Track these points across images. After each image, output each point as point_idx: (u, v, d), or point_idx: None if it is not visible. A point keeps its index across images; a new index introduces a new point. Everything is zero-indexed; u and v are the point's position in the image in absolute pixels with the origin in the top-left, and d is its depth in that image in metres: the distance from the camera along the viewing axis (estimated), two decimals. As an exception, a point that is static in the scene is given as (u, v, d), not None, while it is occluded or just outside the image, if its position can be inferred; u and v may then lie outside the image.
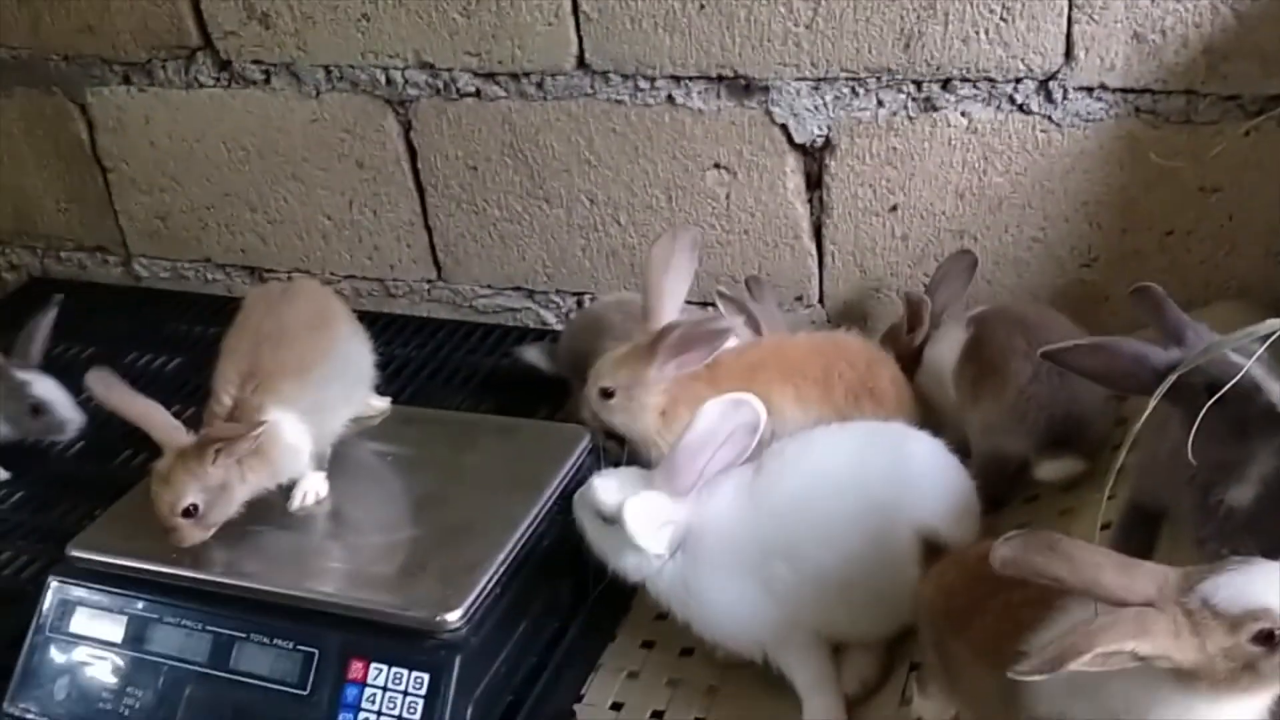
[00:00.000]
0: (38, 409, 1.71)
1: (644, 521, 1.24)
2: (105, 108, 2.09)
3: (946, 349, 1.50)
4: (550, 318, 1.99)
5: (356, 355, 1.49)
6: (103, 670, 1.30)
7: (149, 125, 2.07)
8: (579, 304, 1.96)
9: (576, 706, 1.32)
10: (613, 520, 1.26)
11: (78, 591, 1.34)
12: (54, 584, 1.36)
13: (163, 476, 1.29)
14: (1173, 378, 1.04)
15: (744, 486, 1.30)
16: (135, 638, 1.30)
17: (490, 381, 1.83)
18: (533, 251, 1.93)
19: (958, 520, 1.30)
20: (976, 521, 1.33)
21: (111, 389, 1.36)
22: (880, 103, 1.62)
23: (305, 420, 1.36)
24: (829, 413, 1.43)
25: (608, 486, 1.28)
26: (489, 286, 2.00)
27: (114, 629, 1.32)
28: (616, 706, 1.32)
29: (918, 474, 1.29)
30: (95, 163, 2.16)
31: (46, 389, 1.72)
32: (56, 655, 1.33)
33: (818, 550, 1.25)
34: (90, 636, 1.32)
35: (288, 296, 1.44)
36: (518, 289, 1.99)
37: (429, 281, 2.04)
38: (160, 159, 2.09)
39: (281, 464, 1.35)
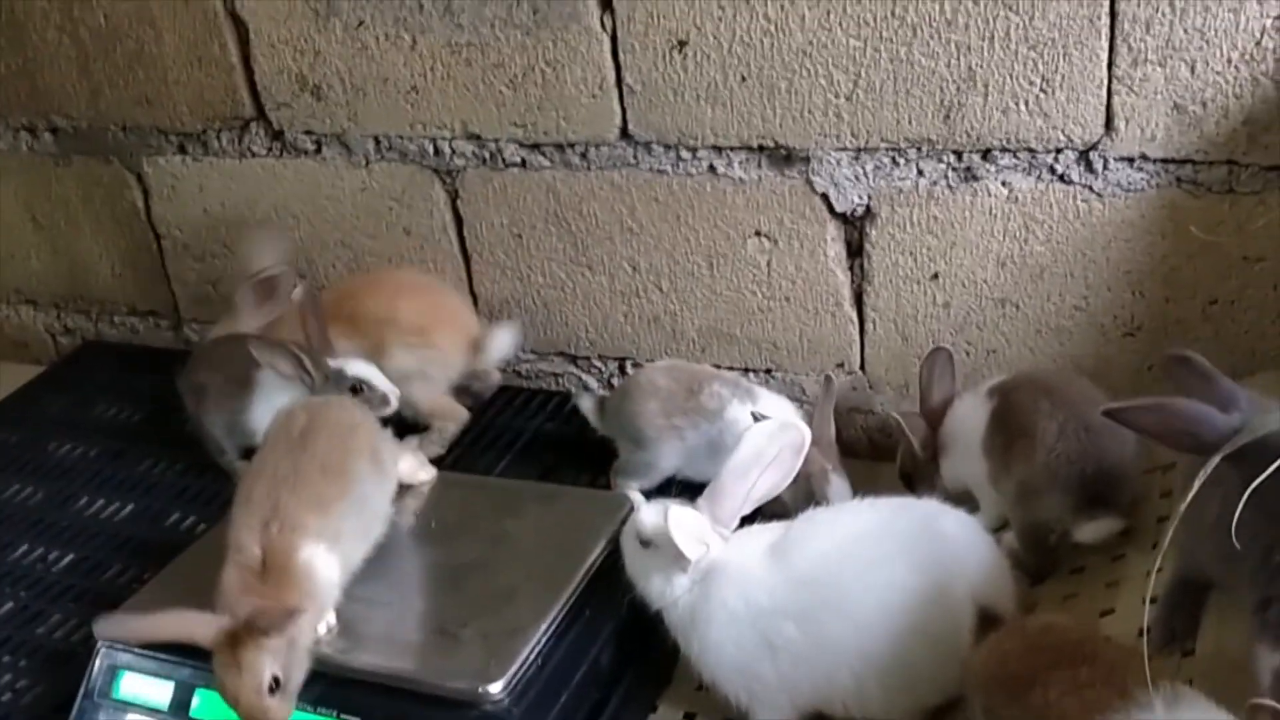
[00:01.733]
0: (357, 389, 1.68)
1: (686, 530, 1.29)
2: (160, 176, 2.14)
3: (960, 423, 1.51)
4: (592, 383, 2.00)
5: (374, 495, 1.43)
6: (149, 736, 1.32)
7: (202, 193, 2.12)
8: (621, 369, 1.97)
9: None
10: (648, 543, 1.33)
11: (126, 657, 1.36)
12: (103, 648, 1.38)
13: (230, 666, 1.21)
14: (1239, 442, 1.03)
15: (772, 542, 1.33)
16: (181, 703, 1.32)
17: (532, 446, 1.85)
18: (575, 317, 1.96)
19: (1002, 594, 1.30)
20: (1016, 595, 1.33)
21: (126, 627, 1.34)
22: (921, 172, 1.63)
23: (332, 551, 1.33)
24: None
25: (650, 511, 1.35)
26: (532, 352, 2.02)
27: (160, 694, 1.33)
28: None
29: (961, 548, 1.30)
30: (150, 229, 2.21)
31: (360, 369, 1.70)
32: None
33: (835, 619, 1.27)
34: (137, 702, 1.34)
35: (305, 438, 1.40)
36: (560, 354, 2.01)
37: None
38: (213, 226, 2.14)
39: (324, 599, 1.31)
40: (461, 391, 1.89)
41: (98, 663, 1.37)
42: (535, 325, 1.99)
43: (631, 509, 1.48)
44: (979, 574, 1.30)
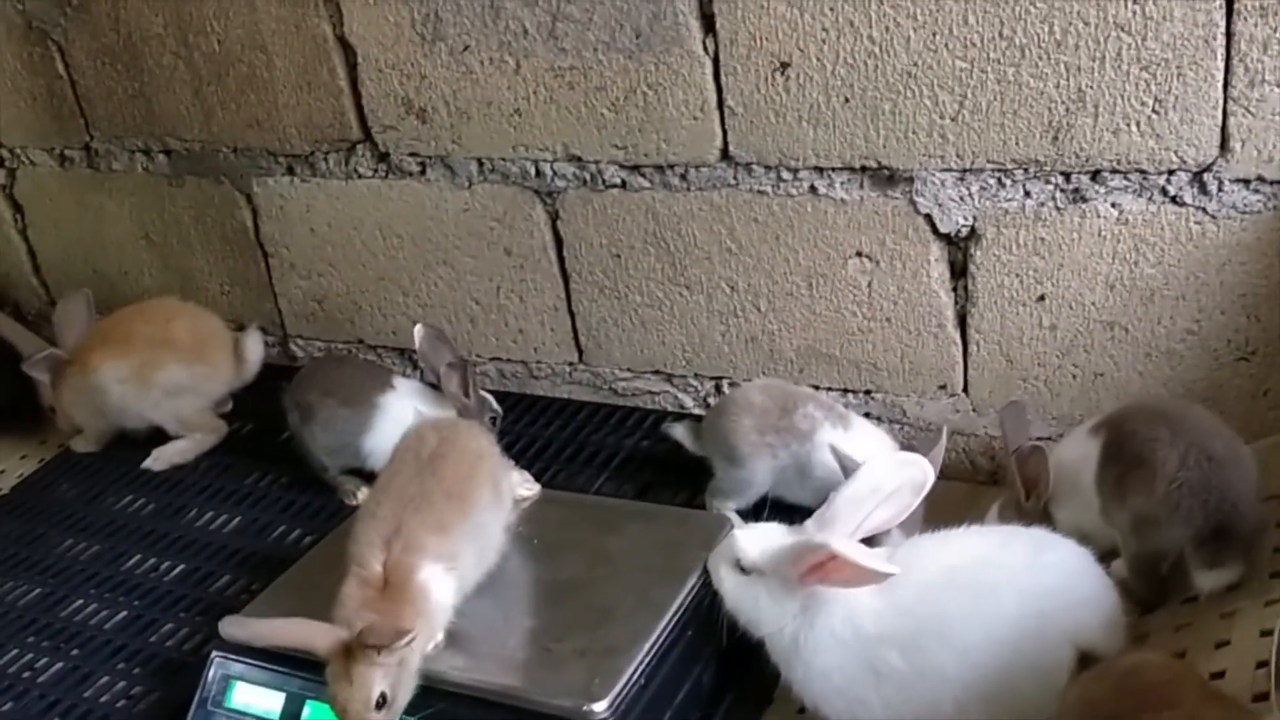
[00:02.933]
0: (494, 419, 1.86)
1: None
2: (269, 197, 2.20)
3: (1065, 466, 1.48)
4: (688, 401, 2.01)
5: (491, 524, 1.46)
6: (261, 745, 1.35)
7: (310, 213, 2.17)
8: (717, 388, 1.97)
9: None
10: (752, 569, 1.31)
11: (239, 667, 1.40)
12: (216, 658, 1.41)
13: (342, 678, 1.24)
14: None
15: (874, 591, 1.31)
16: (292, 713, 1.35)
17: (629, 464, 1.86)
18: (672, 336, 1.96)
19: (1106, 629, 1.28)
20: (1123, 629, 1.30)
21: (249, 629, 1.36)
22: (1027, 193, 1.61)
23: (449, 574, 1.35)
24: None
25: (750, 538, 1.34)
26: (629, 370, 2.04)
27: (272, 704, 1.37)
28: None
29: (1067, 582, 1.28)
30: (258, 248, 2.27)
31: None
32: (218, 727, 1.38)
33: (939, 648, 1.25)
34: (249, 712, 1.37)
35: (434, 461, 1.42)
36: (657, 373, 2.02)
37: (570, 364, 2.09)
38: (319, 245, 2.19)
39: (437, 620, 1.33)
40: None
41: (211, 672, 1.40)
42: (633, 344, 2.01)
43: (731, 529, 1.49)
44: (1085, 607, 1.28)
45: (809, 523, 1.33)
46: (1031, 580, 1.28)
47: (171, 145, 2.27)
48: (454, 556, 1.35)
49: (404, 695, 1.26)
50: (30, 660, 1.65)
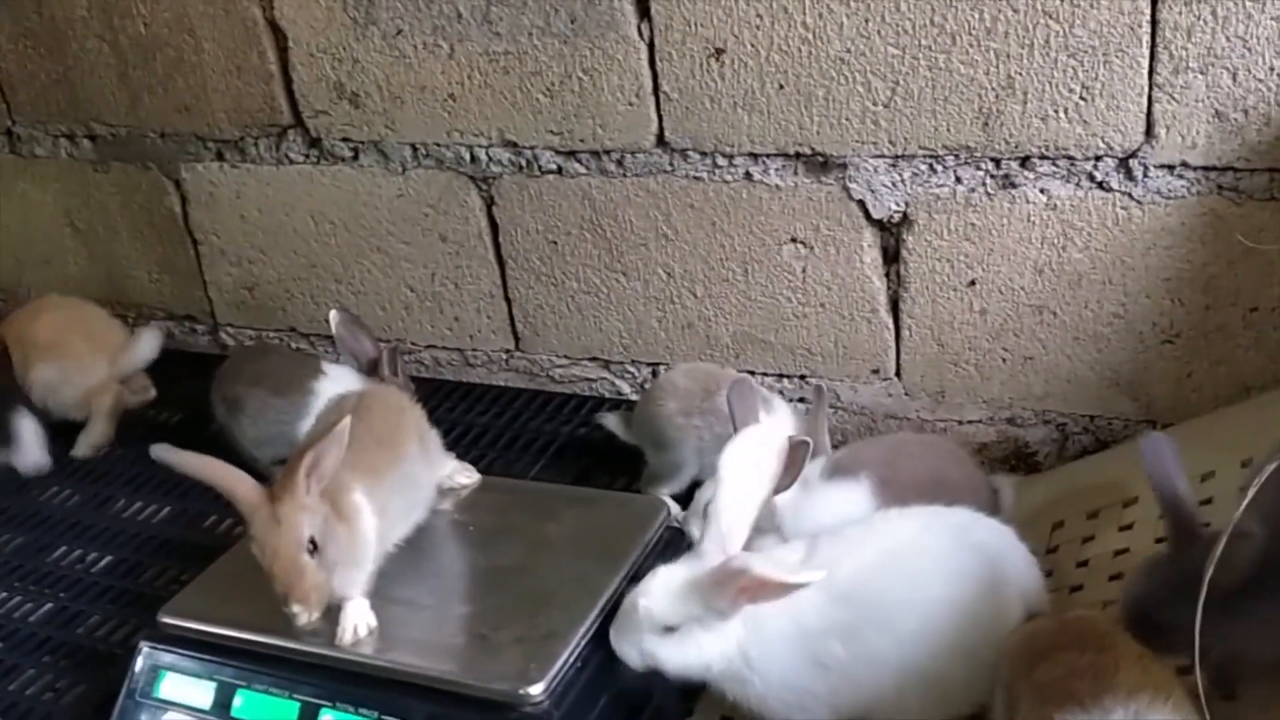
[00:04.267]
0: None
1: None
2: (198, 183, 2.16)
3: None
4: (625, 388, 2.01)
5: (420, 476, 1.46)
6: (190, 736, 1.33)
7: (240, 200, 2.14)
8: (654, 374, 1.97)
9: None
10: (678, 626, 1.24)
11: (167, 657, 1.37)
12: (145, 649, 1.39)
13: (268, 523, 1.23)
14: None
15: (803, 561, 1.31)
16: (222, 704, 1.33)
17: (566, 451, 1.85)
18: (609, 323, 1.96)
19: (1035, 605, 1.30)
20: (1049, 603, 1.33)
21: (178, 456, 1.33)
22: (958, 179, 1.63)
23: (377, 516, 1.33)
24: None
25: (652, 598, 1.25)
26: (566, 357, 2.03)
27: (202, 695, 1.34)
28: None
29: (996, 557, 1.30)
30: (187, 235, 2.23)
31: None
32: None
33: (878, 636, 1.26)
34: (178, 702, 1.35)
35: (360, 410, 1.39)
36: (594, 359, 2.01)
37: (507, 352, 2.08)
38: (249, 232, 2.16)
39: (359, 543, 1.31)
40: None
41: (140, 662, 1.38)
42: (569, 330, 2.00)
43: (667, 513, 1.49)
44: (1011, 585, 1.30)
45: (706, 544, 1.26)
46: (960, 561, 1.29)
47: (97, 130, 2.22)
48: (384, 506, 1.34)
49: (332, 553, 1.25)
50: (-49, 655, 1.61)
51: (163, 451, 1.32)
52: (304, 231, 2.11)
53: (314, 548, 1.24)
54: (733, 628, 1.25)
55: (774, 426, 1.38)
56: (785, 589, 1.20)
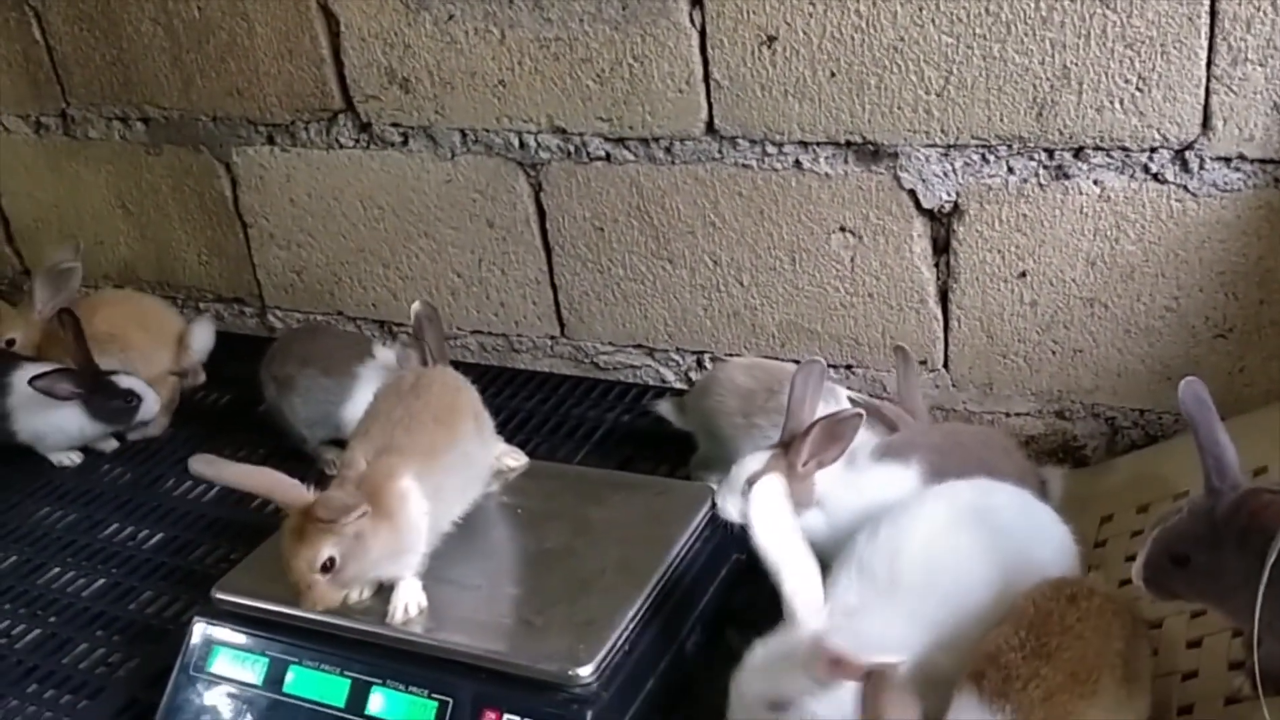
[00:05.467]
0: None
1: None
2: (249, 166, 2.19)
3: None
4: (670, 375, 2.01)
5: (477, 454, 1.49)
6: (242, 710, 1.35)
7: (290, 183, 2.16)
8: (699, 363, 1.98)
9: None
10: (785, 704, 1.16)
11: (220, 633, 1.39)
12: (198, 625, 1.41)
13: (296, 533, 1.28)
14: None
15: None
16: (274, 680, 1.34)
17: (610, 437, 1.86)
18: (655, 310, 1.96)
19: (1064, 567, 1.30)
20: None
21: (218, 467, 1.36)
22: (1011, 170, 1.62)
23: (429, 499, 1.35)
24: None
25: (758, 680, 1.19)
26: (610, 344, 2.04)
27: (254, 671, 1.36)
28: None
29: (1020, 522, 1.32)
30: (237, 218, 2.25)
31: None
32: (198, 694, 1.38)
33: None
34: (232, 677, 1.37)
35: (417, 389, 1.44)
36: (638, 346, 2.02)
37: (552, 338, 2.08)
38: (299, 216, 2.18)
39: (405, 533, 1.33)
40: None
41: (194, 638, 1.40)
42: (614, 318, 2.01)
43: (713, 500, 1.49)
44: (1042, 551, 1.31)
45: (792, 618, 1.19)
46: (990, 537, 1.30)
47: (150, 113, 2.25)
48: (438, 487, 1.36)
49: (350, 571, 1.29)
50: (7, 628, 1.64)
51: (201, 465, 1.35)
52: (353, 216, 2.12)
53: (330, 565, 1.28)
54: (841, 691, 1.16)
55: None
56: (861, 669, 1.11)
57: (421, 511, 1.34)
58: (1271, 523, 1.06)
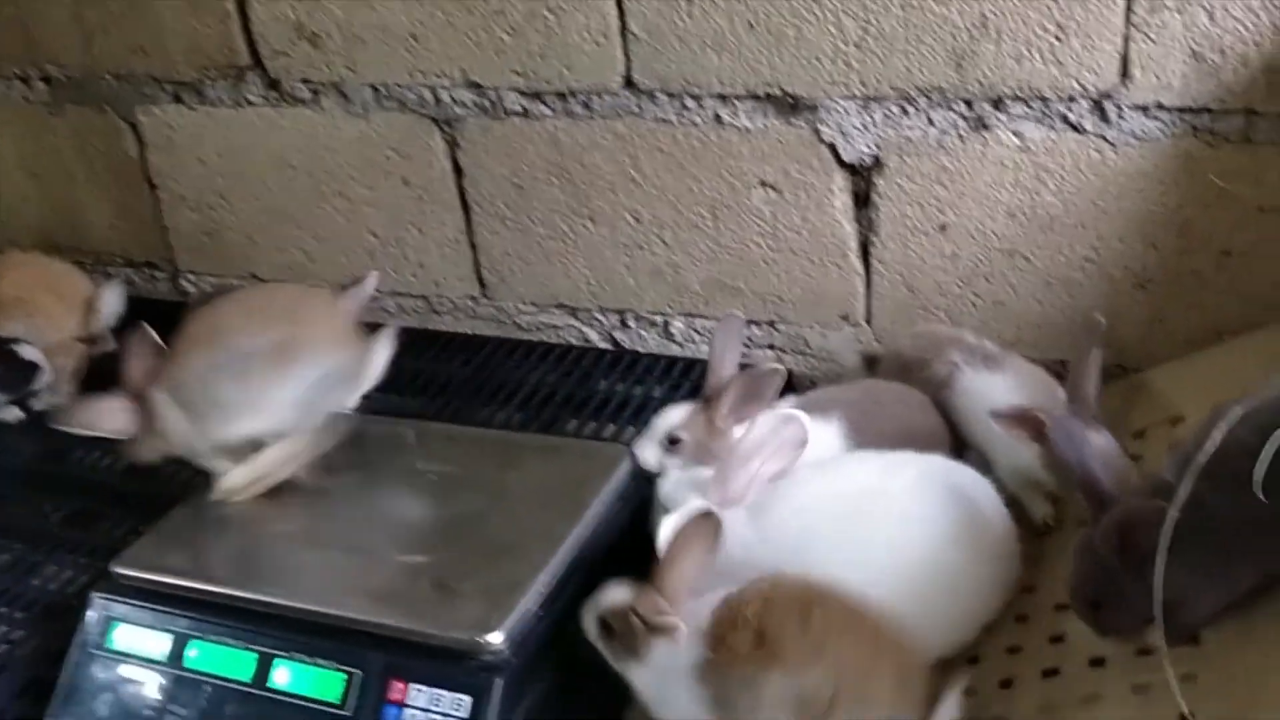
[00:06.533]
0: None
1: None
2: (155, 126, 2.11)
3: None
4: (593, 335, 1.98)
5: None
6: (145, 687, 1.31)
7: (198, 143, 2.08)
8: (621, 322, 1.94)
9: (618, 727, 1.30)
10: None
11: (121, 608, 1.35)
12: (97, 600, 1.36)
13: None
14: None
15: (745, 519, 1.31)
16: (178, 655, 1.30)
17: (533, 399, 1.81)
18: (576, 270, 1.93)
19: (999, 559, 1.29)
20: (1018, 558, 1.33)
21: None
22: (930, 122, 1.60)
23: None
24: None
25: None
26: (533, 304, 2.00)
27: (157, 646, 1.32)
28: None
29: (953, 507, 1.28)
30: (145, 180, 2.18)
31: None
32: (99, 671, 1.33)
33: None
34: (133, 653, 1.33)
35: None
36: (561, 306, 1.98)
37: (473, 299, 2.04)
38: (209, 176, 2.11)
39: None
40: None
41: (91, 613, 1.35)
42: (535, 278, 1.97)
43: (632, 461, 1.47)
44: (973, 531, 1.29)
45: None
46: (914, 506, 1.28)
47: (50, 72, 2.16)
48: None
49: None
50: (-99, 605, 1.58)
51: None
52: (264, 176, 2.06)
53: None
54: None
55: (802, 417, 1.36)
56: None
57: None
58: (1145, 540, 1.02)
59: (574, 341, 1.98)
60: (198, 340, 1.49)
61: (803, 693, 1.05)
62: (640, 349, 1.93)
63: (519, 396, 1.82)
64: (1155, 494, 1.05)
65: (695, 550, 1.18)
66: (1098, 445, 1.18)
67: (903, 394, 1.55)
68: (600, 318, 1.96)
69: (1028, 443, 1.33)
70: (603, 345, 1.95)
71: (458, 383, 1.88)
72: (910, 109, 1.60)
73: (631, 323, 1.93)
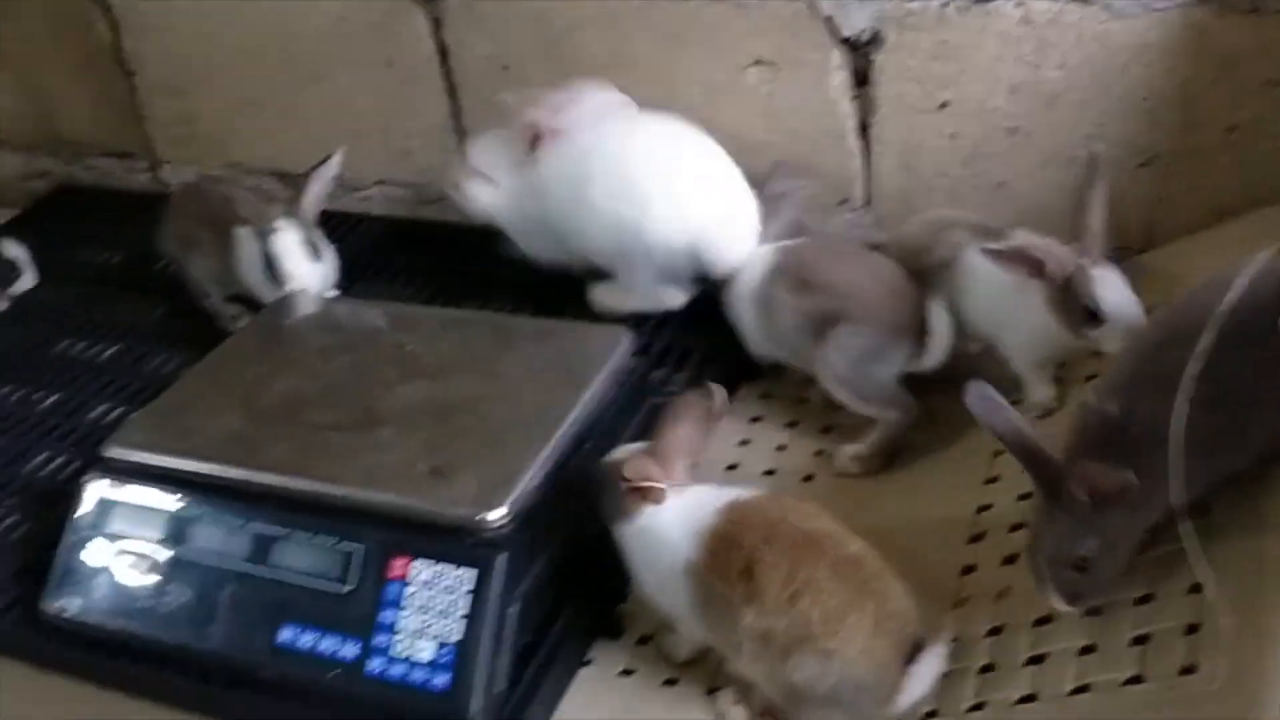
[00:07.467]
0: None
1: None
2: (128, 9, 2.04)
3: None
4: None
5: None
6: (141, 569, 1.29)
7: (172, 27, 2.02)
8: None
9: (622, 607, 1.30)
10: None
11: (115, 490, 1.33)
12: (91, 483, 1.34)
13: None
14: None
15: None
16: (174, 536, 1.29)
17: (520, 287, 1.78)
18: (567, 154, 1.88)
19: None
20: None
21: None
22: (932, -6, 1.56)
23: None
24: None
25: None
26: (523, 192, 1.96)
27: (152, 528, 1.30)
28: (660, 609, 1.30)
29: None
30: (119, 66, 2.11)
31: None
32: (94, 554, 1.32)
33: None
34: (128, 535, 1.31)
35: None
36: (553, 194, 1.94)
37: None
38: (184, 61, 2.05)
39: None
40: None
41: (85, 496, 1.33)
42: (525, 164, 1.92)
43: (630, 342, 1.45)
44: None
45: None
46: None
47: (17, -47, 2.09)
48: None
49: None
50: (-110, 494, 1.56)
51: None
52: (240, 60, 2.00)
53: None
54: None
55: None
56: None
57: None
58: (1114, 496, 1.00)
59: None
60: None
61: (770, 631, 1.07)
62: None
63: (513, 285, 1.79)
64: (1101, 430, 1.03)
65: (689, 422, 1.19)
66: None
67: (875, 263, 1.50)
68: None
69: (1029, 287, 1.32)
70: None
71: (445, 272, 1.85)
72: (912, -19, 1.56)
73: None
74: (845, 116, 1.68)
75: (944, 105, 1.62)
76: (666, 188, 1.54)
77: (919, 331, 1.42)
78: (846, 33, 1.61)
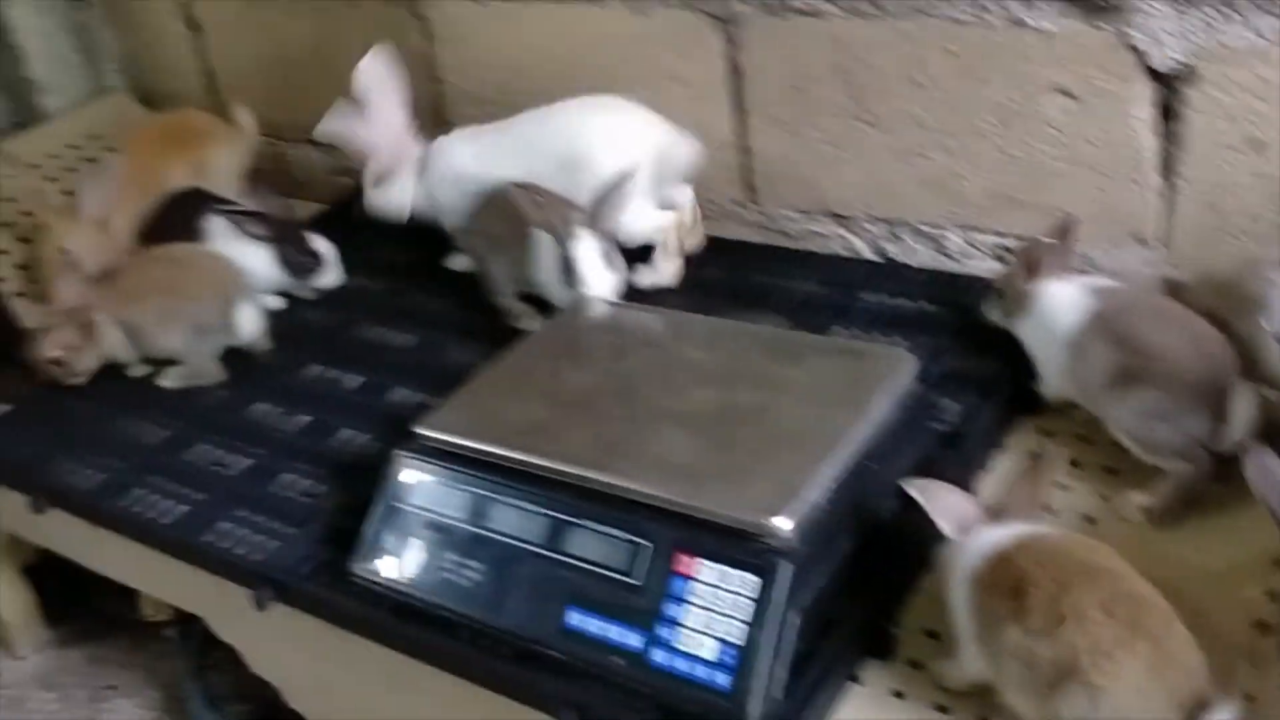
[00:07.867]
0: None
1: None
2: (445, 21, 2.18)
3: None
4: (860, 245, 1.96)
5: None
6: (444, 543, 1.38)
7: (479, 37, 2.15)
8: (891, 233, 1.92)
9: (895, 630, 1.31)
10: None
11: (423, 468, 1.43)
12: (401, 459, 1.44)
13: None
14: None
15: None
16: (476, 514, 1.37)
17: (801, 309, 1.81)
18: (850, 176, 1.91)
19: None
20: None
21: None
22: (1254, 30, 1.50)
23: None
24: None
25: None
26: (801, 211, 1.99)
27: (456, 505, 1.39)
28: (932, 634, 1.30)
29: None
30: (428, 74, 2.25)
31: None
32: (401, 525, 1.42)
33: None
34: (433, 510, 1.40)
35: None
36: (830, 215, 1.97)
37: (739, 204, 2.05)
38: (494, 71, 2.17)
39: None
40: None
41: (396, 472, 1.44)
42: (806, 184, 1.96)
43: (914, 365, 1.45)
44: None
45: None
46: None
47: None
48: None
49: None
50: (220, 457, 1.72)
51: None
52: (546, 72, 2.10)
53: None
54: None
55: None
56: None
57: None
58: None
59: (840, 252, 1.97)
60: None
61: (1035, 655, 1.07)
62: (910, 262, 1.90)
63: (784, 303, 1.82)
64: None
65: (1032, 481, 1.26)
66: None
67: (1197, 330, 1.45)
68: (870, 227, 1.94)
69: None
70: (870, 257, 1.93)
71: (723, 288, 1.89)
72: (1233, 15, 1.51)
73: (904, 234, 1.90)
74: (1147, 151, 1.63)
75: (1259, 144, 1.55)
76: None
77: (1223, 405, 1.37)
78: (1157, 65, 1.57)
